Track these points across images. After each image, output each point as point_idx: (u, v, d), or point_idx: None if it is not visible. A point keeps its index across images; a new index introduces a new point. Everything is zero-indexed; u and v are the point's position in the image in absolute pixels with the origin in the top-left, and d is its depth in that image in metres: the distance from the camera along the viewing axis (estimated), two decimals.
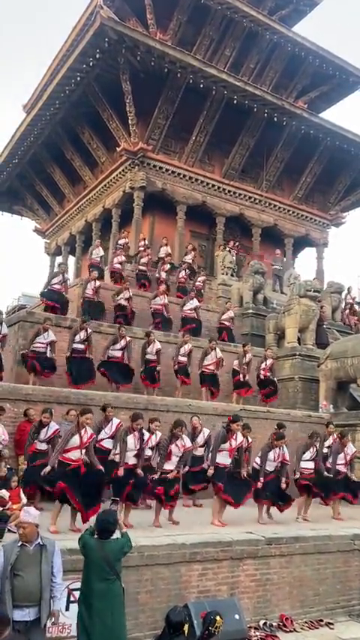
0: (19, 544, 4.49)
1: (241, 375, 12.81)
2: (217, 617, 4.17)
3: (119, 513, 5.00)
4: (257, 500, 8.62)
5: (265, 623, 6.92)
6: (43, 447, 7.79)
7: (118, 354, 11.46)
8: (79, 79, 18.20)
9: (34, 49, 73.27)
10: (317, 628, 7.19)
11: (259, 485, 8.48)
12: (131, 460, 7.62)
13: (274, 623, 7.00)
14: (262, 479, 8.51)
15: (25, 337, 11.41)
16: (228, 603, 6.51)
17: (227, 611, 6.05)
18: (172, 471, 7.75)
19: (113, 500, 5.15)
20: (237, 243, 21.13)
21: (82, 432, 7.01)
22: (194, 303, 14.58)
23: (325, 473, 9.31)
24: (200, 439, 9.05)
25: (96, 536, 4.83)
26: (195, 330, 14.14)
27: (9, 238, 61.64)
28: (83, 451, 7.03)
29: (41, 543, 4.57)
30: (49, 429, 7.79)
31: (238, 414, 9.11)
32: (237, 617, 6.37)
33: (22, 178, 25.08)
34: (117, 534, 4.95)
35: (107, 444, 8.16)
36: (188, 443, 8.10)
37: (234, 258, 19.63)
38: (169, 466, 7.78)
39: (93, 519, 6.95)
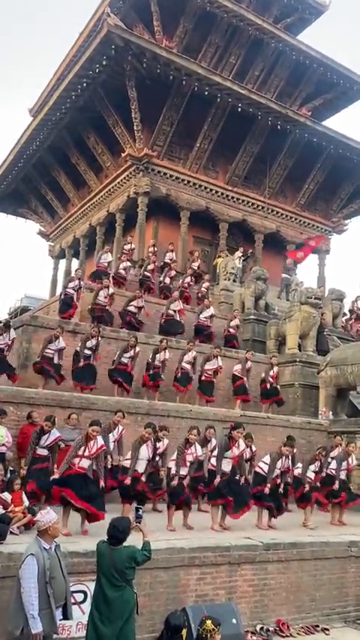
0: (45, 547, 4.53)
1: (244, 380, 12.98)
2: (208, 621, 4.24)
3: (141, 520, 5.05)
4: (258, 502, 8.72)
5: (262, 628, 7.02)
6: (44, 452, 7.90)
7: (127, 361, 11.66)
8: (85, 84, 18.37)
9: (41, 53, 73.64)
10: (313, 633, 7.28)
11: (266, 490, 8.60)
12: (141, 468, 7.91)
13: (271, 628, 7.10)
14: (269, 484, 8.63)
15: (28, 341, 11.54)
16: (226, 608, 6.61)
17: (225, 615, 6.14)
18: (186, 476, 8.00)
19: (137, 508, 5.22)
20: (250, 250, 21.22)
21: (91, 443, 7.19)
22: (210, 311, 14.74)
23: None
24: (209, 447, 9.11)
25: (107, 541, 4.91)
26: (208, 338, 14.31)
27: (13, 240, 61.84)
28: (90, 461, 7.21)
29: (56, 543, 4.68)
30: (50, 436, 7.91)
31: (239, 421, 9.24)
32: (234, 621, 6.47)
33: (27, 181, 25.26)
34: (132, 541, 5.01)
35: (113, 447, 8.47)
36: (199, 451, 8.32)
37: (241, 265, 19.66)
38: (184, 471, 8.04)
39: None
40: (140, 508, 5.27)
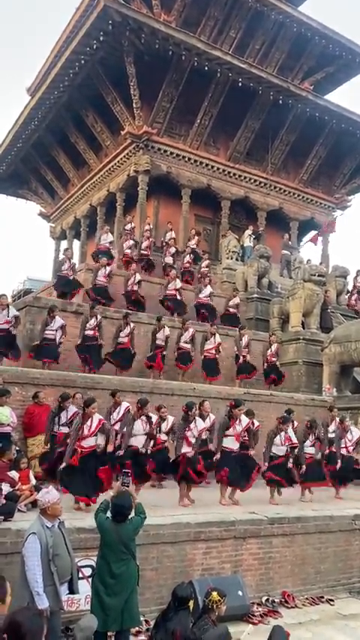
0: (48, 525, 4.59)
1: (241, 359, 12.98)
2: (214, 593, 4.34)
3: (128, 484, 5.22)
4: (269, 484, 8.85)
5: (267, 600, 7.15)
6: (65, 430, 8.00)
7: (125, 340, 11.67)
8: (83, 62, 18.06)
9: (40, 29, 72.41)
10: (318, 604, 7.42)
11: (264, 468, 8.68)
12: (138, 443, 8.05)
13: (277, 600, 7.23)
14: (266, 463, 8.75)
15: (32, 322, 11.58)
16: (231, 580, 6.73)
17: (231, 587, 6.25)
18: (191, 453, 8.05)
19: (124, 472, 5.30)
20: (261, 229, 21.05)
21: (89, 422, 7.25)
22: (209, 289, 14.74)
23: (320, 457, 9.50)
24: (207, 423, 9.21)
25: (110, 517, 4.97)
26: (210, 317, 14.37)
27: (14, 222, 61.61)
28: (96, 437, 7.30)
29: (60, 520, 4.75)
30: (69, 412, 8.07)
31: (240, 398, 9.28)
32: (240, 593, 6.61)
33: (26, 162, 25.03)
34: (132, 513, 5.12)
35: (117, 427, 8.57)
36: (201, 424, 8.39)
37: (252, 244, 19.52)
38: (186, 449, 8.07)
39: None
40: (128, 472, 5.36)
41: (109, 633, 4.95)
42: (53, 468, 7.68)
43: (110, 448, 7.52)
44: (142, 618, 6.03)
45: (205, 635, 3.91)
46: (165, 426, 8.93)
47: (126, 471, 5.40)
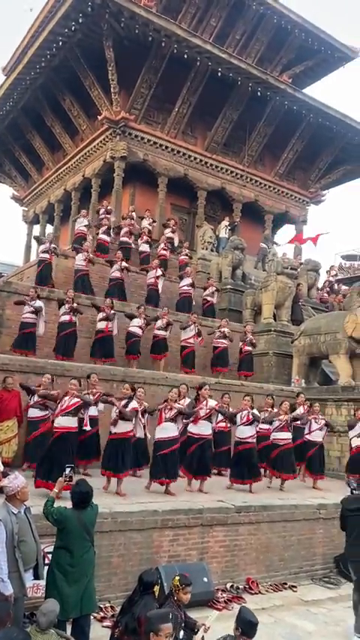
0: (14, 511, 4.59)
1: (222, 349, 13.07)
2: (175, 577, 4.42)
3: (72, 479, 5.16)
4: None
5: (232, 586, 7.28)
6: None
7: (103, 325, 11.60)
8: (60, 43, 17.71)
9: (15, 6, 70.56)
10: (281, 590, 7.59)
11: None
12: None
13: (241, 586, 7.37)
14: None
15: (2, 307, 11.41)
16: (197, 567, 6.82)
17: (196, 574, 6.33)
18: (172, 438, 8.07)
19: (68, 467, 5.25)
20: (237, 220, 21.03)
21: (67, 398, 7.45)
22: (189, 280, 14.74)
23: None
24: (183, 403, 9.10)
25: (71, 506, 4.97)
26: (190, 306, 14.42)
27: None
28: (68, 417, 7.34)
29: (26, 506, 4.74)
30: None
31: (214, 388, 9.38)
32: (205, 579, 6.71)
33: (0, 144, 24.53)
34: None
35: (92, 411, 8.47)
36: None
37: (227, 235, 19.53)
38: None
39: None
40: (72, 466, 5.35)
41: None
42: None
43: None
44: (107, 604, 6.09)
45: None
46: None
47: (69, 465, 5.36)
